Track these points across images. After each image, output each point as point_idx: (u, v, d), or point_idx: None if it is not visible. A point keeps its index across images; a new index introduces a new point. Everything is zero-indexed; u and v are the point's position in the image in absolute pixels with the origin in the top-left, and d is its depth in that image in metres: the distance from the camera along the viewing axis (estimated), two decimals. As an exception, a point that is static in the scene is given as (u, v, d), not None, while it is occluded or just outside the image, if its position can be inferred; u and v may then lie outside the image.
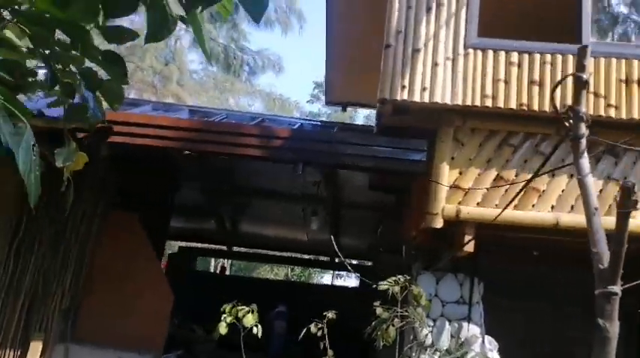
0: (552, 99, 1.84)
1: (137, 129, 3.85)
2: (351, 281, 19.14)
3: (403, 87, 3.52)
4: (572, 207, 3.37)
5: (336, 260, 8.46)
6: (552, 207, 3.44)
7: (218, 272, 11.20)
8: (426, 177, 3.70)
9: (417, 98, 3.49)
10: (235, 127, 3.89)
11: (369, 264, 8.27)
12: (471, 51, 3.58)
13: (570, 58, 3.51)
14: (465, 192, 3.50)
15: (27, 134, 1.17)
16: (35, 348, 4.07)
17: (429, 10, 3.66)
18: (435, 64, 3.56)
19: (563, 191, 3.47)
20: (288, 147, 3.73)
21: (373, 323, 3.03)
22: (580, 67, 1.70)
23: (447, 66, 3.56)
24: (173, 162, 5.32)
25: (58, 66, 1.63)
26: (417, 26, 3.62)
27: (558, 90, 3.46)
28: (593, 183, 3.36)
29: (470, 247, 3.43)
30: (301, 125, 4.99)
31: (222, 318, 3.07)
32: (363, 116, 23.08)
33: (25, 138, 1.16)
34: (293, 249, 9.35)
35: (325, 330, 3.07)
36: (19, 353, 4.10)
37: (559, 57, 3.53)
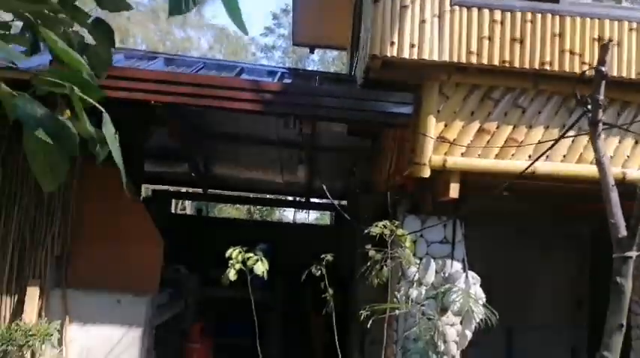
0: (575, 90, 2.06)
1: (118, 83, 3.80)
2: (312, 216, 19.77)
3: (392, 43, 3.65)
4: (546, 156, 3.72)
5: (310, 200, 8.79)
6: (529, 156, 3.80)
7: (195, 213, 11.31)
8: (409, 128, 3.94)
9: (405, 54, 3.65)
10: (227, 82, 3.92)
11: (344, 203, 8.64)
12: (457, 8, 3.73)
13: (549, 16, 3.74)
14: (450, 143, 3.79)
15: (109, 123, 1.27)
16: (32, 294, 4.18)
17: (418, -36, 3.73)
18: (422, 21, 3.69)
19: (539, 141, 3.82)
20: (278, 101, 3.83)
21: (368, 264, 3.35)
22: (601, 61, 1.92)
23: (434, 23, 3.70)
24: (148, 109, 5.28)
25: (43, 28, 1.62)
26: (406, -18, 3.70)
27: (539, 46, 3.72)
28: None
29: (454, 193, 3.77)
30: (282, 75, 5.03)
31: (230, 264, 3.26)
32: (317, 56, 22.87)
33: (109, 127, 1.27)
34: (267, 191, 9.57)
35: (324, 271, 3.38)
36: (16, 299, 4.21)
37: (539, 15, 3.75)
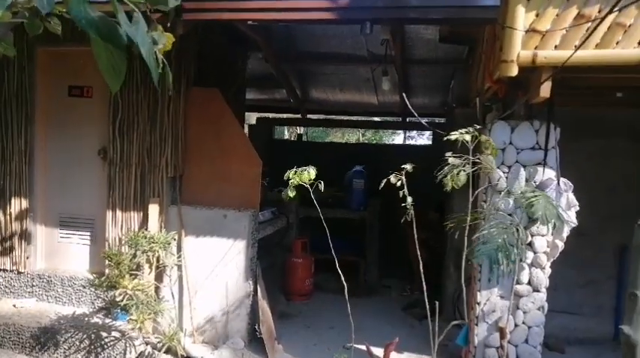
0: None
1: (206, 4, 3.96)
2: (422, 141, 19.33)
3: None
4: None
5: (408, 119, 8.59)
6: (639, 43, 3.26)
7: (296, 139, 11.77)
8: (498, 22, 3.57)
9: None
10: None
11: (442, 120, 8.31)
12: None
13: None
14: (543, 35, 3.38)
15: (141, 22, 1.37)
16: (154, 209, 4.79)
17: None
18: None
19: (652, 24, 3.24)
20: (354, 6, 3.70)
21: (445, 168, 3.23)
22: None
23: None
24: (241, 35, 5.44)
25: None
26: None
27: None
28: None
29: (546, 92, 3.42)
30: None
31: (290, 183, 3.30)
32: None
33: (139, 26, 1.36)
34: (364, 113, 9.52)
35: (404, 180, 3.33)
36: (141, 214, 4.86)
37: None
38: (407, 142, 18.16)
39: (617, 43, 3.30)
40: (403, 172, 3.27)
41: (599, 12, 3.31)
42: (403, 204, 3.25)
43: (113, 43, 1.30)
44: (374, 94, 7.55)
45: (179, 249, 4.72)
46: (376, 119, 10.63)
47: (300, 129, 12.36)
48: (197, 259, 4.72)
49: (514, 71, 3.41)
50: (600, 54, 3.26)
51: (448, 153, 3.26)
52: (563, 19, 3.38)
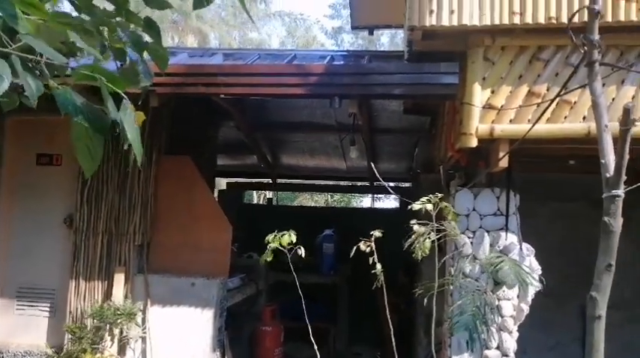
0: (568, 29, 1.96)
1: (180, 79, 4.11)
2: (389, 203, 19.63)
3: (431, 12, 3.58)
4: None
5: (375, 184, 8.81)
6: (584, 118, 3.56)
7: (265, 203, 11.82)
8: (458, 98, 3.84)
9: (445, 22, 3.57)
10: (270, 68, 4.09)
11: (408, 185, 8.56)
12: (497, -34, 3.57)
13: (602, -37, 3.45)
14: (498, 110, 3.65)
15: (129, 109, 1.45)
16: (119, 278, 4.67)
17: None
18: (461, -15, 3.58)
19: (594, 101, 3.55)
20: (323, 82, 3.92)
21: (412, 237, 3.33)
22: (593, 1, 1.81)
23: (473, -15, 3.58)
24: (214, 105, 5.61)
25: (105, 33, 1.80)
26: (442, -53, 3.61)
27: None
28: (628, 89, 3.45)
29: (504, 162, 3.64)
30: (332, 58, 5.11)
31: (268, 246, 3.34)
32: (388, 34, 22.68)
33: (127, 112, 1.44)
34: (333, 177, 9.72)
35: (373, 247, 3.39)
36: (106, 283, 4.72)
37: (590, -36, 3.48)
38: (375, 204, 18.44)
39: (565, 117, 3.59)
40: (372, 238, 3.34)
41: (548, 90, 3.62)
42: (373, 271, 3.29)
43: (99, 129, 1.36)
44: (342, 160, 7.77)
45: (144, 319, 4.57)
46: (345, 183, 10.86)
47: (269, 194, 12.45)
48: (163, 329, 4.56)
49: (473, 143, 3.63)
50: (550, 128, 3.54)
51: (413, 221, 3.37)
52: (516, 96, 3.67)
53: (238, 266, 5.67)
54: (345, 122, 5.93)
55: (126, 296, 4.64)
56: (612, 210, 1.56)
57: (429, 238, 3.18)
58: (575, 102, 3.59)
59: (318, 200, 19.78)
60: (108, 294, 4.68)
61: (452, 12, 3.57)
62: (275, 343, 6.01)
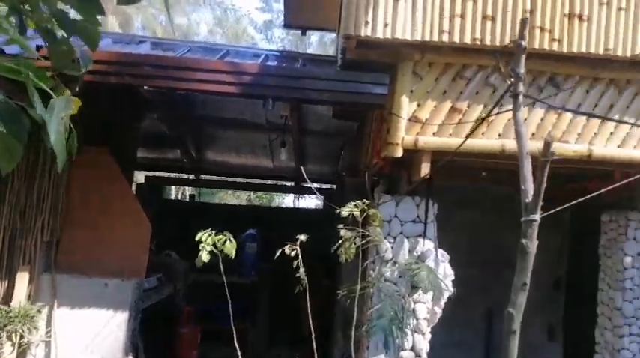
0: (497, 61, 2.10)
1: (105, 67, 3.86)
2: (311, 202, 19.81)
3: (366, 23, 3.67)
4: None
5: (302, 184, 8.87)
6: (499, 135, 3.83)
7: (188, 199, 11.45)
8: (386, 108, 3.98)
9: (379, 34, 3.67)
10: (204, 64, 3.97)
11: (332, 186, 8.71)
12: (429, -14, 3.73)
13: (521, -7, 3.74)
14: (423, 123, 3.83)
15: (57, 107, 1.33)
16: (22, 278, 4.30)
17: (390, -57, 3.74)
18: (395, 0, 3.71)
19: (508, 120, 3.84)
20: (257, 83, 3.88)
21: (338, 242, 3.41)
22: (521, 36, 1.96)
23: (407, 1, 3.72)
24: (138, 95, 5.34)
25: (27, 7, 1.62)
26: (379, -39, 3.72)
27: (509, 24, 3.74)
28: (537, 112, 3.75)
29: (425, 172, 3.82)
30: (266, 57, 5.07)
31: (202, 247, 3.25)
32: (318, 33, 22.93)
33: (55, 111, 1.33)
34: (259, 176, 9.65)
35: (298, 251, 3.42)
36: (6, 283, 4.33)
37: (511, -7, 3.75)
38: (298, 203, 18.53)
39: (482, 133, 3.83)
40: (298, 243, 3.36)
41: (468, 107, 3.85)
42: (297, 275, 3.32)
43: (16, 134, 1.24)
44: (269, 159, 7.74)
45: (49, 322, 4.25)
46: (271, 182, 10.82)
47: (189, 190, 12.10)
48: (72, 333, 4.27)
49: (399, 153, 3.78)
50: (471, 143, 3.76)
51: (340, 226, 3.44)
52: (440, 110, 3.87)
53: (156, 265, 5.45)
54: (274, 121, 5.91)
55: (29, 298, 4.29)
56: (529, 233, 1.70)
57: (355, 243, 3.27)
58: (492, 120, 3.85)
59: (239, 196, 19.52)
60: (8, 296, 4.29)
61: (386, 25, 3.68)
62: (192, 345, 5.87)
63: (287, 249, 3.33)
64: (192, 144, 7.59)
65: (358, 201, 3.49)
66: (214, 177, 9.09)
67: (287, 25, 9.13)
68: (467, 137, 3.07)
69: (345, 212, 3.37)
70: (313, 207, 17.34)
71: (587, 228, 5.06)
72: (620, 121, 3.79)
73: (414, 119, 3.82)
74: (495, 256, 5.49)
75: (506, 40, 3.70)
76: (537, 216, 1.68)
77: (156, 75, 3.82)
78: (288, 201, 21.77)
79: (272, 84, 3.90)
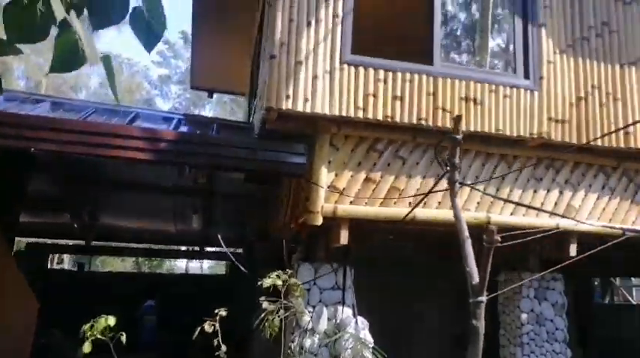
0: (436, 152, 2.30)
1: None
2: (210, 266, 19.02)
3: (287, 96, 3.81)
4: (424, 203, 4.04)
5: (204, 249, 8.53)
6: (409, 204, 4.09)
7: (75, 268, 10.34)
8: (303, 176, 4.07)
9: (299, 108, 3.83)
10: (120, 129, 3.77)
11: (240, 251, 8.49)
12: (345, 66, 4.01)
13: (425, 77, 4.16)
14: (341, 192, 3.97)
15: None
16: None
17: (309, 24, 3.99)
18: (315, 77, 3.92)
19: (417, 189, 4.14)
20: (174, 150, 3.76)
21: (261, 315, 3.31)
22: (455, 130, 2.18)
23: (325, 79, 3.94)
24: (30, 155, 4.88)
25: None
26: (299, 40, 3.93)
27: (416, 104, 4.11)
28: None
29: (344, 240, 3.92)
30: (178, 121, 4.97)
31: (85, 338, 2.94)
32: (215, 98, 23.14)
33: None
34: (159, 241, 9.10)
35: (217, 328, 3.24)
36: None
37: (416, 76, 4.16)
38: (190, 266, 17.67)
39: (394, 202, 4.07)
40: (217, 318, 3.20)
41: (381, 177, 4.09)
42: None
43: None
44: (172, 224, 7.38)
45: None
46: (176, 248, 10.22)
47: (70, 257, 10.99)
48: None
49: (319, 221, 3.85)
50: (386, 211, 3.98)
51: (262, 298, 3.36)
52: (356, 180, 4.05)
53: (36, 345, 4.79)
54: (182, 185, 5.72)
55: None
56: (478, 313, 1.81)
57: (278, 316, 3.19)
58: (402, 190, 4.12)
59: (124, 259, 18.14)
60: None
61: (306, 100, 3.85)
62: None
63: (207, 326, 3.16)
64: (85, 208, 7.00)
65: (280, 271, 3.46)
66: (109, 243, 8.39)
67: (194, 87, 9.11)
68: (412, 208, 3.23)
69: (267, 283, 3.30)
70: (218, 272, 16.63)
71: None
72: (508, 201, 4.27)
73: (332, 188, 3.95)
74: (402, 313, 5.68)
75: (414, 118, 4.06)
76: (484, 298, 1.80)
77: (60, 140, 3.54)
78: (180, 264, 20.69)
79: (190, 151, 3.81)
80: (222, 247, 4.29)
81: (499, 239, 1.84)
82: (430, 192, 3.18)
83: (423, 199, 3.34)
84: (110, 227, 7.67)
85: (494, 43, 8.84)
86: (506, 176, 4.32)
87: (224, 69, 8.52)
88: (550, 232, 3.90)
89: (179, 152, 3.76)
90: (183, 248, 9.85)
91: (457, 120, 2.25)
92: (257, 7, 6.87)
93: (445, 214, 4.01)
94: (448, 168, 2.19)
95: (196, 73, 8.63)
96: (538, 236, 3.16)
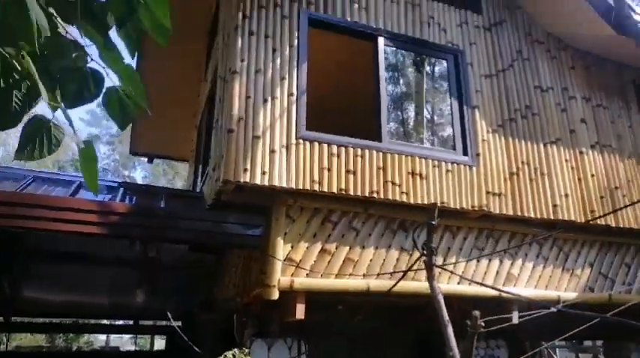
0: (414, 239, 2.43)
1: None
2: (126, 338, 17.64)
3: (245, 169, 3.87)
4: (377, 274, 4.14)
5: (139, 323, 7.99)
6: (364, 275, 4.17)
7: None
8: (257, 249, 4.06)
9: (257, 181, 3.88)
10: (64, 202, 3.58)
11: (179, 324, 8.02)
12: (301, 141, 4.16)
13: (375, 152, 4.40)
14: (297, 264, 3.98)
15: None
16: None
17: (265, 101, 4.14)
18: (272, 151, 4.02)
19: (371, 260, 4.24)
20: (124, 224, 3.63)
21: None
22: (432, 217, 2.32)
23: (282, 153, 4.06)
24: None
25: None
26: (256, 116, 4.06)
27: (367, 177, 4.30)
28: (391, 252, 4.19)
29: (300, 314, 3.88)
30: (125, 191, 4.82)
31: None
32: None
33: None
34: (89, 315, 8.42)
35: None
36: None
37: (367, 151, 4.38)
38: (111, 338, 16.37)
39: (350, 274, 4.13)
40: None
41: (336, 248, 4.16)
42: None
43: None
44: (105, 296, 6.90)
45: None
46: (109, 322, 9.44)
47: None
48: None
49: (275, 295, 3.81)
50: (343, 283, 4.02)
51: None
52: (311, 252, 4.09)
53: None
54: (123, 256, 5.44)
55: None
56: None
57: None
58: (357, 261, 4.20)
59: (36, 336, 16.42)
60: None
61: (264, 173, 3.92)
62: None
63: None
64: (6, 281, 6.39)
65: (235, 350, 3.35)
66: (30, 319, 7.64)
67: (133, 153, 8.92)
68: (396, 283, 3.27)
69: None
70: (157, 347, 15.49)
71: (431, 346, 5.54)
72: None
73: (289, 260, 3.96)
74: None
75: (366, 191, 4.23)
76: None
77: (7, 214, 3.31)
78: (101, 338, 19.10)
79: (143, 224, 3.70)
80: (162, 318, 4.08)
81: (483, 325, 1.94)
82: (409, 270, 3.31)
83: (403, 276, 3.46)
84: (34, 301, 7.03)
85: (433, 120, 9.54)
86: (452, 246, 4.56)
87: (165, 136, 8.48)
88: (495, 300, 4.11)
89: (131, 225, 3.63)
90: (120, 322, 9.15)
91: (434, 207, 2.40)
92: (203, 78, 7.02)
93: (402, 286, 4.13)
94: (425, 252, 2.30)
95: (136, 139, 8.52)
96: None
